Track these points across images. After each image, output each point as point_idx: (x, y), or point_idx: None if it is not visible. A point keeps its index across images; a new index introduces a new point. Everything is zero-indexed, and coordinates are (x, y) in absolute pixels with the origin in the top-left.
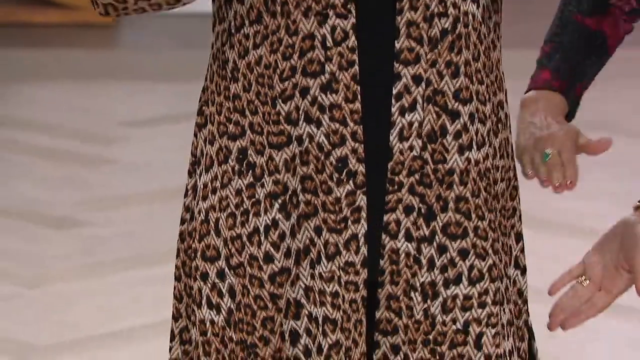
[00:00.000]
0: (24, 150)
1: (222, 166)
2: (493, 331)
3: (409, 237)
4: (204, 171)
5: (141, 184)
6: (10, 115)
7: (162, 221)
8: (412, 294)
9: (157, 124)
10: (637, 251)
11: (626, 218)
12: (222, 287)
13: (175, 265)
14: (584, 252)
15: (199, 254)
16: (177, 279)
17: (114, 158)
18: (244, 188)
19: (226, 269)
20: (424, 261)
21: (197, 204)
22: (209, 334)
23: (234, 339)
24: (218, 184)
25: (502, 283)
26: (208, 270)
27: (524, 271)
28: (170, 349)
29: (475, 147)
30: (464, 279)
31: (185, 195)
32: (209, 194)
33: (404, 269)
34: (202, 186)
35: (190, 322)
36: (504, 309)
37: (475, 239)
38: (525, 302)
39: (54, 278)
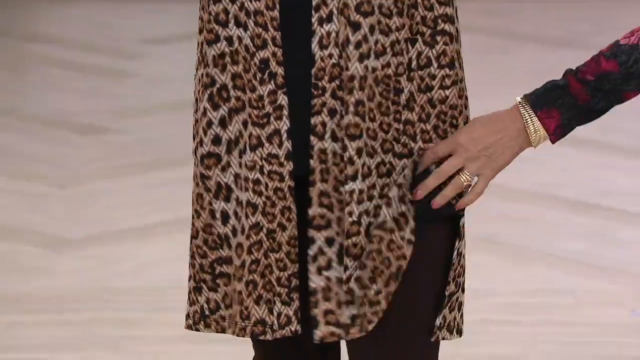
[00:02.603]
0: (55, 64)
1: (197, 56)
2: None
3: (334, 138)
4: None
5: (160, 95)
6: (43, 33)
7: (179, 129)
8: (341, 189)
9: (175, 41)
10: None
11: None
12: (198, 160)
13: None
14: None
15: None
16: None
17: (135, 72)
18: (202, 76)
19: (198, 145)
20: (341, 159)
21: None
22: (193, 199)
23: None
24: (196, 71)
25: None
26: (197, 143)
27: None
28: None
29: (373, 55)
30: (359, 175)
31: None
32: (195, 79)
33: (332, 167)
34: None
35: None
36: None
37: (366, 138)
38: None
39: (82, 179)
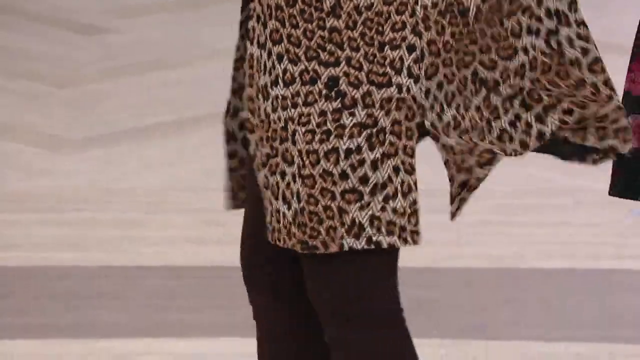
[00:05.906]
0: None
1: None
2: (303, 129)
3: (259, 44)
4: None
5: None
6: None
7: (179, 29)
8: (259, 95)
9: None
10: None
11: None
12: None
13: None
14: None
15: None
16: None
17: None
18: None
19: (235, 51)
20: (261, 65)
21: None
22: None
23: None
24: None
25: (358, 90)
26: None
27: (417, 79)
28: None
29: None
30: (279, 80)
31: None
32: None
33: (256, 73)
34: None
35: None
36: (354, 112)
37: (288, 45)
38: (420, 106)
39: (81, 79)
